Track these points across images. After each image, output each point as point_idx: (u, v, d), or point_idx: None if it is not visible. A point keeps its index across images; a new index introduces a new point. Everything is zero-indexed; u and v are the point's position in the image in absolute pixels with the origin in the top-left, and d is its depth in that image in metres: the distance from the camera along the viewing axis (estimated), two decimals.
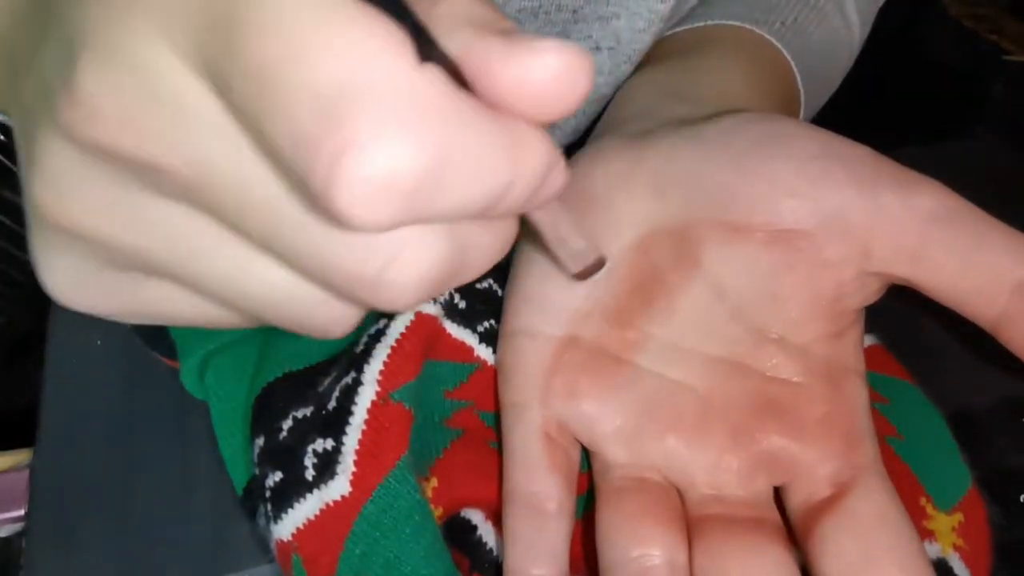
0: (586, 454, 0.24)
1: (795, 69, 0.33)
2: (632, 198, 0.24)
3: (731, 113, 0.24)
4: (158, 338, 0.28)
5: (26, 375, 0.30)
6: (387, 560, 0.21)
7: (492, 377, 0.26)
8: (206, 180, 0.13)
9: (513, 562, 0.21)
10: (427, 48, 0.12)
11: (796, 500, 0.22)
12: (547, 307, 0.24)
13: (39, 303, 0.31)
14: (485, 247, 0.15)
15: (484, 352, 0.26)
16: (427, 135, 0.12)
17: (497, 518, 0.23)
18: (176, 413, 0.27)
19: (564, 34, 0.33)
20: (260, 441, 0.24)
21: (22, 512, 0.26)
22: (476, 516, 0.23)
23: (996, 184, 0.39)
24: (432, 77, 0.12)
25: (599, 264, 0.19)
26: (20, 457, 0.29)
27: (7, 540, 0.28)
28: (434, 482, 0.24)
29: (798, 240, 0.22)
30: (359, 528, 0.21)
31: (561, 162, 0.15)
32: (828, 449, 0.21)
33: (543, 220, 0.18)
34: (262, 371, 0.25)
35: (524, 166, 0.13)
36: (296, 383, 0.25)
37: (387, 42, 0.12)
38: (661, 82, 0.30)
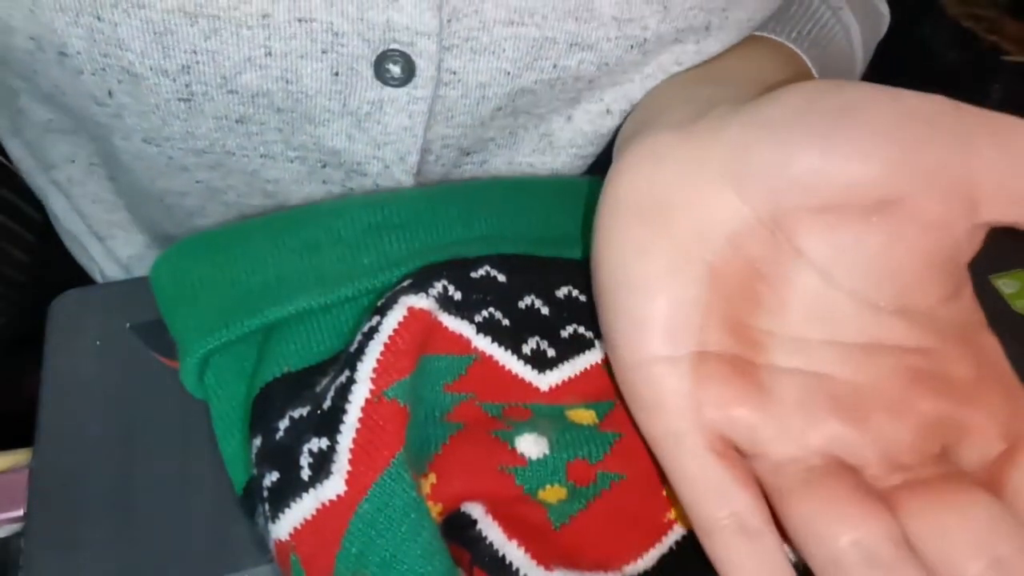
0: (579, 449, 0.24)
1: (813, 70, 0.32)
2: (709, 197, 0.23)
3: (787, 89, 0.23)
4: (158, 338, 0.28)
5: (26, 375, 0.30)
6: (383, 559, 0.21)
7: (492, 367, 0.26)
8: None
9: None
10: None
11: (970, 459, 0.21)
12: (663, 328, 0.22)
13: (39, 303, 0.31)
14: None
15: (482, 342, 0.26)
16: None
17: (499, 511, 0.23)
18: (176, 413, 0.27)
19: (576, 100, 0.32)
20: (258, 441, 0.24)
21: (21, 512, 0.26)
22: (476, 510, 0.23)
23: None
24: None
25: None
26: (20, 457, 0.29)
27: (6, 540, 0.28)
28: (432, 478, 0.24)
29: (901, 208, 0.21)
30: (355, 527, 0.21)
31: None
32: (990, 405, 0.21)
33: None
34: (261, 371, 0.25)
35: None
36: (294, 383, 0.25)
37: None
38: (685, 74, 0.29)
